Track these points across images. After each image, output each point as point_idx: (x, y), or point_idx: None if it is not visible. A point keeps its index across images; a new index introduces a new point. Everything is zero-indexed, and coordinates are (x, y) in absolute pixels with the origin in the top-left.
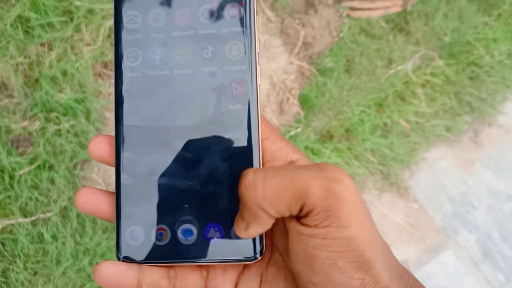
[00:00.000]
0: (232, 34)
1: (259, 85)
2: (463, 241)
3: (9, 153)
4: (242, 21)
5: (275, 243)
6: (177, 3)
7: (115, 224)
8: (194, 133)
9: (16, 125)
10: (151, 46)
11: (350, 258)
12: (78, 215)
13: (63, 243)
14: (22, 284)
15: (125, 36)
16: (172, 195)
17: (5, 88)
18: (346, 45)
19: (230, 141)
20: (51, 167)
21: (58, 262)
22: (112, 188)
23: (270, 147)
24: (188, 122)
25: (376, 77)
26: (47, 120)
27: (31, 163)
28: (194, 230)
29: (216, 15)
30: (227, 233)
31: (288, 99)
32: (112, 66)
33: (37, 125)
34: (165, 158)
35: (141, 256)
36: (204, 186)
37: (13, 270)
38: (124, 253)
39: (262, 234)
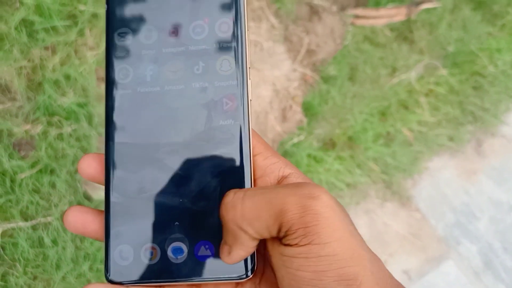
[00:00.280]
0: (223, 50)
1: (251, 100)
2: (464, 252)
3: (11, 156)
4: (233, 36)
5: (268, 258)
6: (168, 20)
7: (103, 244)
8: (184, 150)
9: (18, 128)
10: (142, 63)
11: (336, 277)
12: None
13: (64, 248)
14: None
15: (116, 53)
16: (162, 212)
17: (8, 91)
18: (349, 53)
19: (221, 157)
20: (52, 171)
21: (58, 267)
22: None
23: (262, 162)
24: (179, 139)
25: (380, 85)
26: (50, 124)
27: (32, 166)
28: (185, 248)
29: (207, 31)
30: (218, 251)
31: (291, 106)
32: None
33: (39, 128)
34: (155, 175)
35: (131, 276)
36: (195, 203)
37: (12, 274)
38: (113, 273)
39: (254, 251)
